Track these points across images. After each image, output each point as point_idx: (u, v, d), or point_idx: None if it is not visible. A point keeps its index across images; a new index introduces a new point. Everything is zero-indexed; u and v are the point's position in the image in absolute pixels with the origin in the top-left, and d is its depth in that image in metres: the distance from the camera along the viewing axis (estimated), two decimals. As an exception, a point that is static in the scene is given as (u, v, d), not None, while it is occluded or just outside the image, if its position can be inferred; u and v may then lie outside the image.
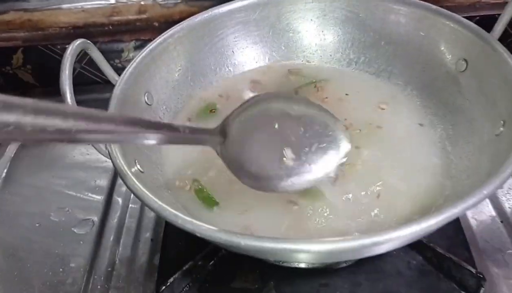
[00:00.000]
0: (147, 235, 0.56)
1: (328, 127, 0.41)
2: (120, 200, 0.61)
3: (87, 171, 0.66)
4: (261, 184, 0.39)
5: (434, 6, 0.55)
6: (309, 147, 0.39)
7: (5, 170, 0.67)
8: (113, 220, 0.59)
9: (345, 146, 0.41)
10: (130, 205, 0.60)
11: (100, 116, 0.28)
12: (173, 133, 0.35)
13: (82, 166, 0.67)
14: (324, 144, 0.40)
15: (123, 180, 0.41)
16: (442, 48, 0.55)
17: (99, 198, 0.61)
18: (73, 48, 0.45)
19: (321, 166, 0.39)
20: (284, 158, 0.39)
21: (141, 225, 0.58)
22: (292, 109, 0.41)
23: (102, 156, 0.61)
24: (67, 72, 0.43)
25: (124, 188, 0.62)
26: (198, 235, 0.36)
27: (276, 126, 0.40)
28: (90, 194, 0.62)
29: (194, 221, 0.36)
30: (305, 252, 0.35)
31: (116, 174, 0.62)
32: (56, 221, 0.59)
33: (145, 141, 0.33)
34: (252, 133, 0.40)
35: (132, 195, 0.57)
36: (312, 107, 0.42)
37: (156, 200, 0.38)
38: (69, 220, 0.59)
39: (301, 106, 0.42)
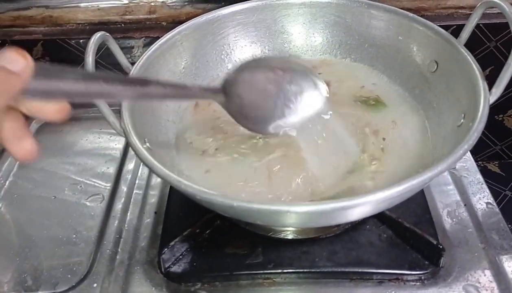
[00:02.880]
0: (151, 208, 0.63)
1: (309, 79, 0.48)
2: (128, 177, 0.68)
3: (95, 158, 0.72)
4: (260, 127, 0.48)
5: (410, 14, 0.62)
6: (294, 96, 0.48)
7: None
8: (121, 196, 0.66)
9: (323, 92, 0.49)
10: (136, 182, 0.67)
11: (118, 78, 0.36)
12: (184, 90, 0.44)
13: (90, 153, 0.73)
14: (307, 92, 0.48)
15: (136, 152, 0.47)
16: (417, 51, 0.62)
17: (107, 185, 0.67)
18: (95, 39, 0.51)
19: (306, 109, 0.48)
20: (276, 104, 0.47)
21: (146, 200, 0.65)
22: (280, 66, 0.49)
23: (110, 144, 0.69)
24: (90, 59, 0.50)
25: (129, 175, 0.69)
26: (198, 197, 0.43)
27: (268, 81, 0.48)
28: (97, 180, 0.68)
29: (194, 185, 0.43)
30: (286, 213, 0.42)
31: (123, 161, 0.71)
32: (69, 200, 0.66)
33: (161, 97, 0.43)
34: (249, 88, 0.47)
35: (137, 180, 0.68)
36: (298, 66, 0.50)
37: (163, 168, 0.45)
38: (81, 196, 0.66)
39: (288, 64, 0.50)
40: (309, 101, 0.48)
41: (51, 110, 0.32)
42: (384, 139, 0.58)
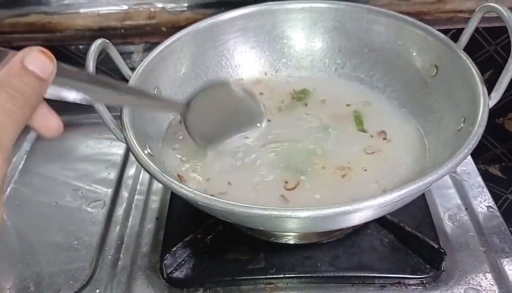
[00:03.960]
0: (152, 214, 0.63)
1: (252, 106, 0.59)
2: (129, 183, 0.68)
3: (96, 163, 0.72)
4: (207, 143, 0.57)
5: (410, 18, 0.62)
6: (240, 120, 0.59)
7: (22, 162, 0.74)
8: (122, 202, 0.66)
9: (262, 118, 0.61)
10: (138, 187, 0.67)
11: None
12: (150, 100, 0.50)
13: (91, 159, 0.73)
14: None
15: (137, 159, 0.48)
16: (416, 55, 0.62)
17: (108, 191, 0.67)
18: (95, 46, 0.52)
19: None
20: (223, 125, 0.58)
21: (147, 206, 0.65)
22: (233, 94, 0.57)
23: (110, 149, 0.72)
24: (90, 67, 0.50)
25: (130, 181, 0.69)
26: (200, 203, 0.43)
27: (221, 105, 0.56)
28: (98, 185, 0.68)
29: (196, 191, 0.43)
30: (287, 218, 0.42)
31: (124, 167, 0.71)
32: (70, 206, 0.66)
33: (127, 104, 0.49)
34: (206, 108, 0.54)
35: (138, 185, 0.68)
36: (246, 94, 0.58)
37: (165, 175, 0.45)
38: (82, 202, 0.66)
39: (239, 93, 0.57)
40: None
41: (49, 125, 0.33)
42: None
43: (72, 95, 0.34)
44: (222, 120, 0.57)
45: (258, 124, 0.61)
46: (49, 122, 0.33)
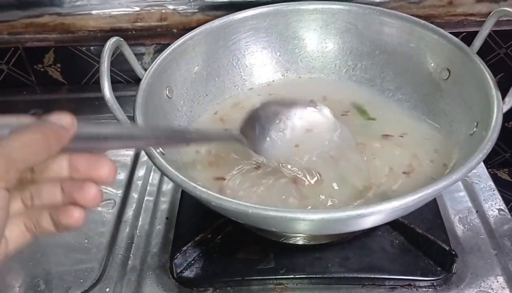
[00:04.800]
0: (162, 214, 0.63)
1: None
2: (139, 183, 0.68)
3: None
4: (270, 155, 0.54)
5: (422, 21, 0.62)
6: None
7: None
8: (132, 202, 0.66)
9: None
10: (148, 188, 0.67)
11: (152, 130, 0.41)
12: (212, 136, 0.53)
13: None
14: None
15: (150, 158, 0.47)
16: (429, 58, 0.62)
17: (119, 191, 0.67)
18: (110, 44, 0.52)
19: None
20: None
21: (157, 206, 0.65)
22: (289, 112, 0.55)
23: (120, 151, 0.72)
24: (105, 65, 0.50)
25: (140, 182, 0.69)
26: (213, 204, 0.43)
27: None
28: (109, 186, 0.68)
29: (210, 191, 0.43)
30: (300, 220, 0.42)
31: (134, 167, 0.71)
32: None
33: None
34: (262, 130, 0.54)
35: (148, 186, 0.68)
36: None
37: (178, 174, 0.45)
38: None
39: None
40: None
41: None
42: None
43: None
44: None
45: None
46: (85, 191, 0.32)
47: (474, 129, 0.52)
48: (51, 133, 0.29)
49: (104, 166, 0.32)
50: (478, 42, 0.57)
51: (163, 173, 0.46)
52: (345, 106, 0.65)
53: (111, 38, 0.52)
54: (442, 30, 0.60)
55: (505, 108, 0.50)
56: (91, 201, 0.31)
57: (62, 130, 0.30)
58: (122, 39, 0.54)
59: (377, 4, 0.77)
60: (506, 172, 0.93)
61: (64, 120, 0.30)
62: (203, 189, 0.43)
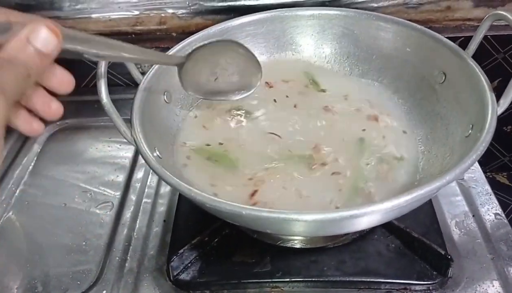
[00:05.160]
0: (160, 217, 0.64)
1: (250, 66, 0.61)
2: (137, 185, 0.69)
3: (105, 166, 0.73)
4: (201, 94, 0.60)
5: (418, 26, 0.62)
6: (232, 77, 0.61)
7: (32, 164, 0.74)
8: (130, 204, 0.66)
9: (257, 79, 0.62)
10: (146, 190, 0.68)
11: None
12: (151, 55, 0.53)
13: (100, 162, 0.74)
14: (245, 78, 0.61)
15: (146, 161, 0.48)
16: (425, 62, 0.62)
17: (117, 193, 0.68)
18: (107, 49, 0.52)
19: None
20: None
21: (155, 209, 0.65)
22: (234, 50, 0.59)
23: (119, 152, 0.73)
24: (102, 69, 0.50)
25: (138, 184, 0.69)
26: (208, 205, 0.43)
27: (220, 59, 0.59)
28: (107, 188, 0.69)
29: (204, 193, 0.44)
30: (294, 221, 0.42)
31: (132, 170, 0.71)
32: (79, 208, 0.66)
33: (133, 59, 0.52)
34: (204, 62, 0.58)
35: (146, 188, 0.68)
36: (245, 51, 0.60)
37: (173, 177, 0.46)
38: (90, 204, 0.66)
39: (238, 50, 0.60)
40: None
41: (59, 81, 0.38)
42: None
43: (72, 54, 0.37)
44: (219, 74, 0.59)
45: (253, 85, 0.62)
46: (50, 105, 0.37)
47: (470, 131, 0.52)
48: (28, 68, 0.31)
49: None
50: (473, 45, 0.57)
51: (159, 176, 0.47)
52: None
53: (109, 42, 0.53)
54: (437, 34, 0.61)
55: (500, 110, 0.50)
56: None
57: (44, 59, 0.32)
58: (120, 43, 0.55)
59: (375, 9, 0.78)
60: (505, 176, 0.93)
61: (49, 43, 0.32)
62: (197, 191, 0.44)
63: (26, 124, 0.36)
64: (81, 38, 0.39)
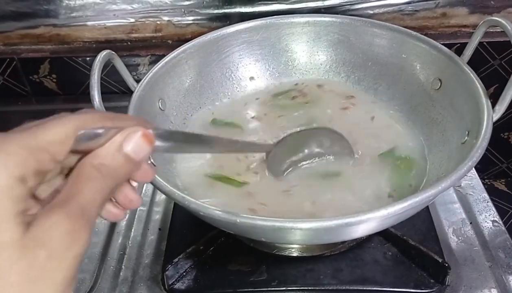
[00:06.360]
0: (155, 225, 0.63)
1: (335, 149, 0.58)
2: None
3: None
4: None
5: (413, 32, 0.62)
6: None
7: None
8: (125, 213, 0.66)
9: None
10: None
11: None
12: (244, 145, 0.52)
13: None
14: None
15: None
16: (420, 69, 0.62)
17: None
18: (101, 57, 0.52)
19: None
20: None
21: (150, 217, 0.64)
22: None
23: None
24: (96, 77, 0.50)
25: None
26: (202, 213, 0.43)
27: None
28: None
29: (198, 201, 0.43)
30: (288, 229, 0.42)
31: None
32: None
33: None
34: (289, 146, 0.57)
35: (141, 195, 0.67)
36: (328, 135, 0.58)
37: (168, 185, 0.45)
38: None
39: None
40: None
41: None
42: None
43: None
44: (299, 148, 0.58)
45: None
46: (130, 200, 0.33)
47: (466, 137, 0.52)
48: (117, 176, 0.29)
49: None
50: (468, 52, 0.58)
51: (153, 184, 0.46)
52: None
53: (102, 51, 0.53)
54: (432, 41, 0.61)
55: (496, 116, 0.50)
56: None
57: (133, 168, 0.30)
58: (113, 52, 0.55)
59: (371, 16, 0.78)
60: (503, 183, 0.93)
61: (142, 150, 0.29)
62: (191, 199, 0.43)
63: (106, 213, 0.33)
64: (175, 138, 0.36)
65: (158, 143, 0.31)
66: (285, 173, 0.56)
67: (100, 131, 0.29)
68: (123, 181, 0.30)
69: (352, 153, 0.58)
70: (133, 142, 0.29)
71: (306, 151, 0.57)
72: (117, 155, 0.29)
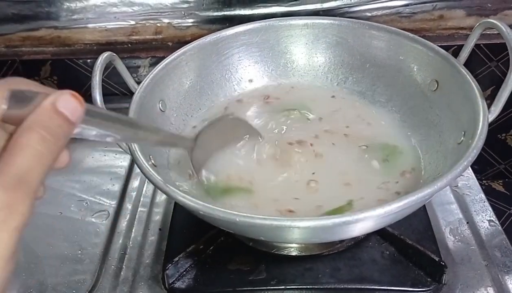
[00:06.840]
0: (155, 225, 0.64)
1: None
2: (133, 194, 0.69)
3: (101, 175, 0.73)
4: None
5: (410, 34, 0.63)
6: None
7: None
8: (126, 213, 0.66)
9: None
10: (141, 199, 0.68)
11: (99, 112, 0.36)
12: (158, 136, 0.46)
13: (96, 171, 0.74)
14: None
15: (141, 170, 0.48)
16: (417, 70, 0.63)
17: (112, 202, 0.68)
18: (102, 59, 0.53)
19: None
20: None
21: (150, 217, 0.65)
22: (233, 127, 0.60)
23: (115, 162, 0.73)
24: (97, 79, 0.51)
25: (134, 193, 0.69)
26: (201, 213, 0.44)
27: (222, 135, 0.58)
28: (103, 197, 0.69)
29: (198, 201, 0.44)
30: (287, 228, 0.42)
31: (128, 179, 0.71)
32: (75, 217, 0.66)
33: (136, 140, 0.46)
34: (209, 142, 0.56)
35: (141, 197, 0.68)
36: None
37: (168, 185, 0.46)
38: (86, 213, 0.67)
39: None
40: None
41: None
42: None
43: (92, 133, 0.33)
44: (221, 145, 0.59)
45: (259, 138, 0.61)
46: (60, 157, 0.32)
47: (462, 138, 0.53)
48: (57, 138, 0.28)
49: None
50: (464, 53, 0.58)
51: (153, 184, 0.47)
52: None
53: (103, 53, 0.53)
54: (429, 43, 0.61)
55: (491, 117, 0.51)
56: None
57: (70, 126, 0.29)
58: (114, 54, 0.55)
59: (368, 18, 0.79)
60: (501, 184, 0.94)
61: (75, 110, 0.29)
62: (191, 199, 0.44)
63: None
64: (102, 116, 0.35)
65: (86, 117, 0.30)
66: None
67: (29, 95, 0.29)
68: (63, 146, 0.29)
69: (260, 135, 0.61)
70: (66, 100, 0.29)
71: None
72: (53, 115, 0.28)
